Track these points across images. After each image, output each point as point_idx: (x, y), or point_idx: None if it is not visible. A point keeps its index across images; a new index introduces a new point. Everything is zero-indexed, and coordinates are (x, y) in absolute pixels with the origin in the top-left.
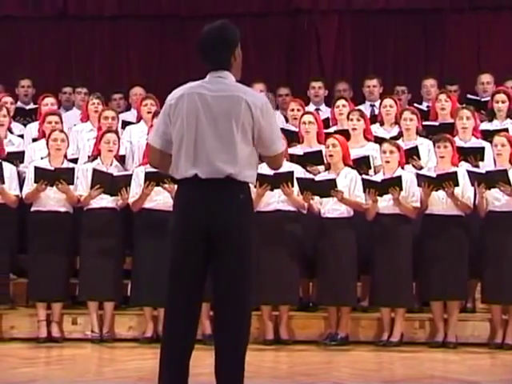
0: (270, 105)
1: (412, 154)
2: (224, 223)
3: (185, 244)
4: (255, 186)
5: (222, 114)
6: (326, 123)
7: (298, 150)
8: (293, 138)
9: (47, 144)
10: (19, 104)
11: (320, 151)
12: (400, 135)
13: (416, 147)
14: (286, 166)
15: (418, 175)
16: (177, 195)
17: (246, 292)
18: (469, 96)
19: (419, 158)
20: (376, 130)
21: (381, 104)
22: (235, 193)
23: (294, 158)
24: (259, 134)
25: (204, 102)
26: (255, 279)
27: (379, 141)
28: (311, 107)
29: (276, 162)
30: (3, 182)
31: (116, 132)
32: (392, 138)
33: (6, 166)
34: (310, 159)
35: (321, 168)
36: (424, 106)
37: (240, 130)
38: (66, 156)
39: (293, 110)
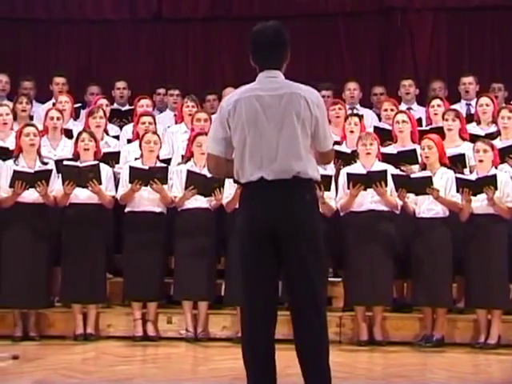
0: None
1: (508, 153)
2: (290, 225)
3: (253, 245)
4: (349, 187)
5: (283, 113)
6: (418, 123)
7: (391, 149)
8: (386, 136)
9: (140, 146)
10: (115, 106)
11: (414, 150)
12: (498, 134)
13: None
14: (379, 166)
15: None
16: (242, 198)
17: (322, 292)
18: None
19: None
20: (472, 129)
21: (477, 103)
22: (301, 194)
23: (387, 157)
24: (315, 129)
25: (263, 104)
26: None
27: (475, 139)
28: (403, 106)
29: (328, 158)
30: (100, 183)
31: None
32: (489, 137)
33: (104, 167)
34: (404, 158)
35: (415, 167)
36: None
37: (301, 126)
38: (158, 157)
39: (386, 109)
